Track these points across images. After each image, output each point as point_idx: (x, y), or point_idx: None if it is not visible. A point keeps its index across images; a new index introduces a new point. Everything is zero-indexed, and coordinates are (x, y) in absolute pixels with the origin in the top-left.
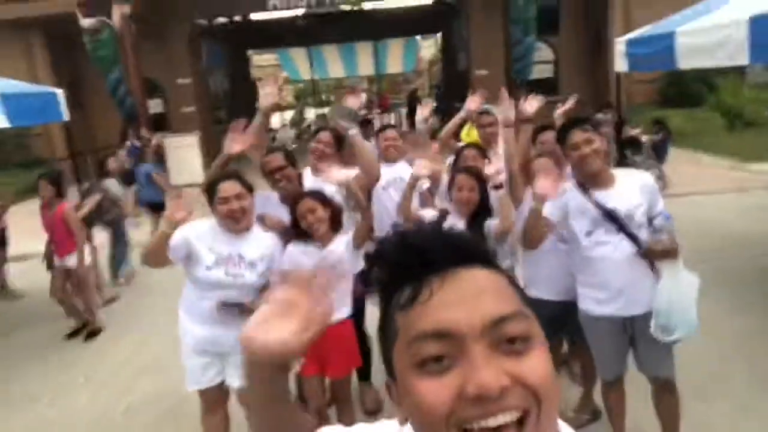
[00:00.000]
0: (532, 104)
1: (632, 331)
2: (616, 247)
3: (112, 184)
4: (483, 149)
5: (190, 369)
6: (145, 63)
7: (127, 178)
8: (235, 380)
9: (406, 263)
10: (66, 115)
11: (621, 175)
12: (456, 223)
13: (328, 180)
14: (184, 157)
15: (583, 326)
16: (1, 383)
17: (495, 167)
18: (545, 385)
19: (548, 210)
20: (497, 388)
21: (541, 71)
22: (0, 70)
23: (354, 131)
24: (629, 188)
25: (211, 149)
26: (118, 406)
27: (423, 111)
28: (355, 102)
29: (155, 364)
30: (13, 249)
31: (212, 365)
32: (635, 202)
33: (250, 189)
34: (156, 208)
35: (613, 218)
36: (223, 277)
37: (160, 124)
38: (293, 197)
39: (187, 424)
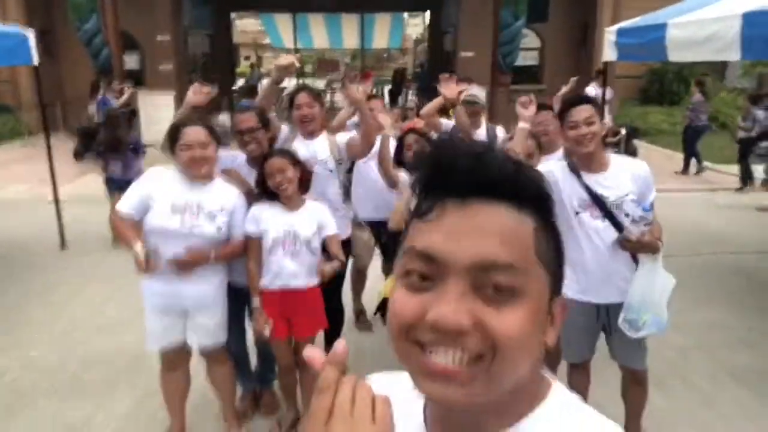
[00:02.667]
0: (530, 109)
1: (607, 319)
2: (599, 234)
3: None
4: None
5: (151, 329)
6: (124, 15)
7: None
8: (195, 339)
9: (431, 178)
10: (36, 59)
11: (615, 161)
12: None
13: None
14: (158, 117)
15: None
16: None
17: None
18: (509, 340)
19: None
20: (453, 326)
21: (526, 58)
22: None
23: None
24: (621, 175)
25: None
26: (74, 359)
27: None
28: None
29: (112, 323)
30: None
31: (175, 325)
32: (625, 190)
33: (216, 139)
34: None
35: (600, 204)
36: (179, 226)
37: (135, 80)
38: (264, 155)
39: (141, 381)
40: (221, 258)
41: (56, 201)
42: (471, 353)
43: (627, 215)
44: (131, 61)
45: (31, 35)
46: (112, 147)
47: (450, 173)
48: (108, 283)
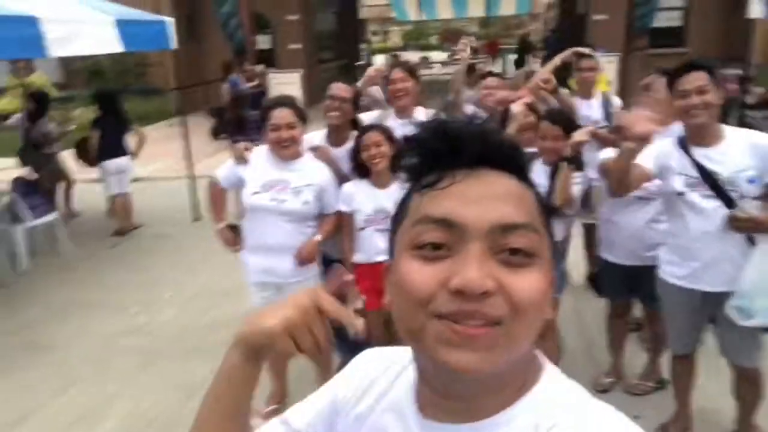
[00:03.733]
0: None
1: (715, 309)
2: (709, 215)
3: None
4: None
5: (254, 303)
6: None
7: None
8: None
9: (439, 150)
10: (174, 44)
11: (731, 133)
12: (539, 173)
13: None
14: (286, 94)
15: (660, 294)
16: (96, 291)
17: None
18: (529, 303)
19: (645, 160)
20: (480, 287)
21: (667, 19)
22: (127, 3)
23: None
24: (737, 149)
25: (313, 88)
26: (201, 320)
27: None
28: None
29: (236, 290)
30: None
31: (273, 298)
32: (741, 165)
33: (303, 119)
34: None
35: (710, 181)
36: (268, 202)
37: (267, 60)
38: (363, 129)
39: None
40: (325, 238)
41: (191, 177)
42: (493, 319)
43: (740, 195)
44: (263, 42)
45: (170, 22)
46: (238, 126)
47: (458, 144)
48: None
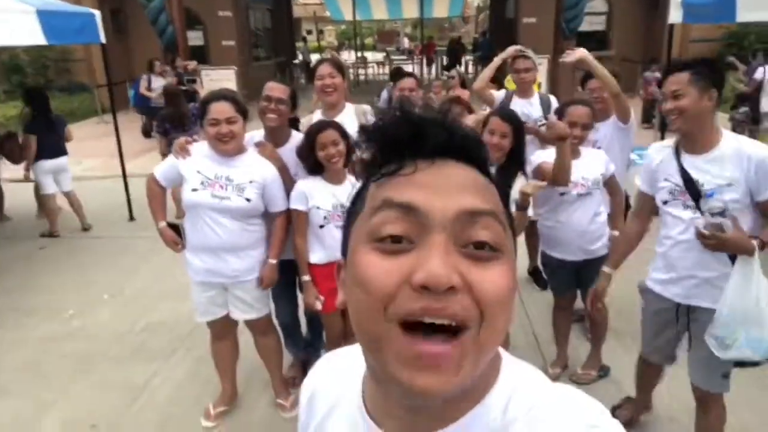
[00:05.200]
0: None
1: (688, 323)
2: (689, 226)
3: None
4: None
5: (196, 302)
6: None
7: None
8: (236, 313)
9: (401, 137)
10: (102, 38)
11: (726, 140)
12: None
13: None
14: (226, 87)
15: (639, 293)
16: (29, 295)
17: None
18: (495, 302)
19: (640, 176)
20: (446, 282)
21: (591, 23)
22: None
23: None
24: (727, 159)
25: (247, 85)
26: (137, 324)
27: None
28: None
29: (176, 290)
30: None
31: (217, 297)
32: (728, 176)
33: (243, 113)
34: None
35: (693, 190)
36: (209, 199)
37: (198, 56)
38: (317, 126)
39: (198, 348)
40: (279, 249)
41: (124, 175)
42: (459, 318)
43: (722, 208)
44: (195, 38)
45: (97, 15)
46: (178, 122)
47: (421, 132)
48: (172, 253)
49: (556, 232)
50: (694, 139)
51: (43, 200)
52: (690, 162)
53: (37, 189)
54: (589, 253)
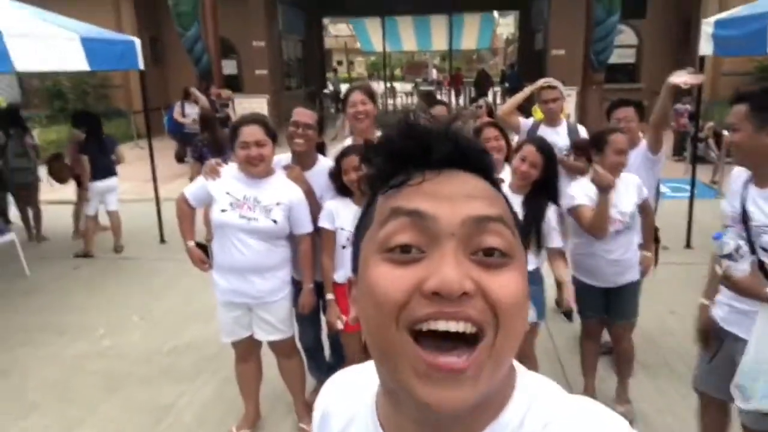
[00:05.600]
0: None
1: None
2: (737, 260)
3: None
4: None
5: (222, 322)
6: (223, 22)
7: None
8: (260, 334)
9: (408, 149)
10: (141, 64)
11: None
12: (510, 197)
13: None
14: (256, 112)
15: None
16: (61, 313)
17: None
18: (509, 306)
19: (726, 200)
20: (458, 288)
21: (621, 56)
22: (89, 23)
23: None
24: None
25: (278, 114)
26: (165, 345)
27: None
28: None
29: (204, 312)
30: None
31: (242, 318)
32: None
33: (273, 136)
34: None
35: (745, 223)
36: (237, 220)
37: (232, 85)
38: (342, 151)
39: (223, 370)
40: (312, 272)
41: (157, 199)
42: (473, 323)
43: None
44: (229, 67)
45: (137, 42)
46: (215, 148)
47: (428, 143)
48: (201, 275)
49: (589, 261)
50: (757, 173)
51: (85, 220)
52: (753, 193)
53: (76, 211)
54: (621, 280)
